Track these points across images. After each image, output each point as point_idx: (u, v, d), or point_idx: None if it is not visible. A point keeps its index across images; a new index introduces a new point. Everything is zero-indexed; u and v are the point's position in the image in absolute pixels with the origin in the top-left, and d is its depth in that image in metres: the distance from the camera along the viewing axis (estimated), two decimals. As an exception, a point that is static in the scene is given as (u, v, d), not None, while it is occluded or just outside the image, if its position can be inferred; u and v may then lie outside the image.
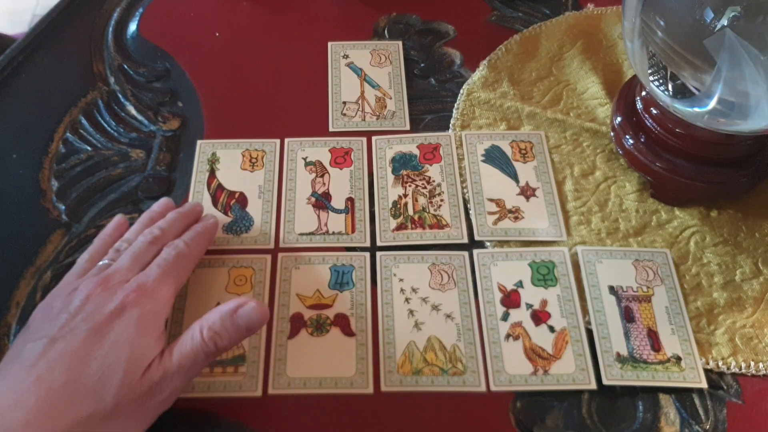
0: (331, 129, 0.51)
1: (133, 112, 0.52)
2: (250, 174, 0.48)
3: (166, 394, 0.34)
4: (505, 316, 0.41)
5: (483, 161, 0.48)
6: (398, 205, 0.46)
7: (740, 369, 0.39)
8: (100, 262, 0.39)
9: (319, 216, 0.46)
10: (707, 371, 0.39)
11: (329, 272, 0.43)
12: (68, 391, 0.32)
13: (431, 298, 0.42)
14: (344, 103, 0.52)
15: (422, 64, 0.55)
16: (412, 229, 0.45)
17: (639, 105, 0.45)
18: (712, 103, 0.37)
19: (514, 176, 0.48)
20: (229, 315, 0.35)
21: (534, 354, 0.40)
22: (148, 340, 0.34)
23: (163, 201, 0.44)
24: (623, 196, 0.46)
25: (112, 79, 0.54)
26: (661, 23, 0.38)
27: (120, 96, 0.53)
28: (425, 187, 0.47)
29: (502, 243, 0.44)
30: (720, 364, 0.39)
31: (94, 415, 0.31)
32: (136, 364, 0.33)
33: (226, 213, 0.46)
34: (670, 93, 0.40)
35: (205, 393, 0.38)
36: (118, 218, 0.43)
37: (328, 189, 0.47)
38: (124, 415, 0.32)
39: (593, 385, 0.39)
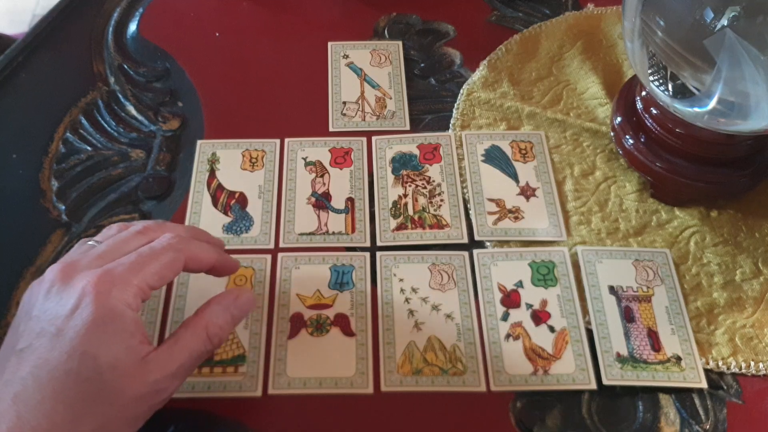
0: (331, 129, 0.51)
1: (133, 112, 0.52)
2: (250, 174, 0.48)
3: (165, 395, 0.32)
4: (505, 316, 0.41)
5: (483, 161, 0.48)
6: (398, 205, 0.46)
7: (740, 369, 0.39)
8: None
9: (319, 216, 0.46)
10: (707, 371, 0.39)
11: (329, 272, 0.43)
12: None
13: (431, 298, 0.42)
14: (344, 103, 0.52)
15: (422, 64, 0.55)
16: (412, 229, 0.45)
17: (639, 105, 0.45)
18: (712, 103, 0.37)
19: (514, 176, 0.48)
20: (228, 309, 0.35)
21: (534, 354, 0.40)
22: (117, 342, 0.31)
23: None
24: (623, 196, 0.46)
25: (112, 79, 0.54)
26: (661, 23, 0.38)
27: (120, 96, 0.53)
28: (425, 187, 0.47)
29: (502, 243, 0.44)
30: (720, 364, 0.39)
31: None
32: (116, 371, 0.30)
33: (226, 213, 0.46)
34: (670, 93, 0.40)
35: (205, 393, 0.38)
36: None
37: (328, 189, 0.47)
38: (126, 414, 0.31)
39: (593, 385, 0.39)
